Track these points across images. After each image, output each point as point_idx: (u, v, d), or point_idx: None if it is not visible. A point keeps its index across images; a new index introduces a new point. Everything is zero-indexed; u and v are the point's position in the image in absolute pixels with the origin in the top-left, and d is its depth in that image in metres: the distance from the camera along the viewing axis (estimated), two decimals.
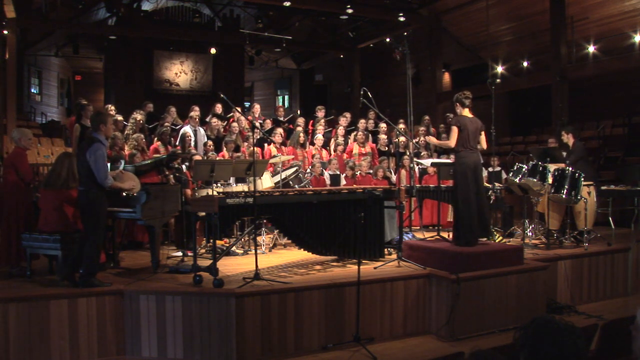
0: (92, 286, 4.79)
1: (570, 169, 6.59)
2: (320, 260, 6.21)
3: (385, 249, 6.33)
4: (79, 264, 4.90)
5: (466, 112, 5.88)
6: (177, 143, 8.11)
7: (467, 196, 5.74)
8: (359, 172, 8.39)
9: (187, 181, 6.82)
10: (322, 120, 9.58)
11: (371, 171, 8.38)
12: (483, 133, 5.98)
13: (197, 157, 7.35)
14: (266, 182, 7.11)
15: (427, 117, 10.33)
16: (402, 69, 9.56)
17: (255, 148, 7.15)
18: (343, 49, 17.20)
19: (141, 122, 8.19)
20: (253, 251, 5.86)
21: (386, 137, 9.37)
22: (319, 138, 8.93)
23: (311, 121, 10.03)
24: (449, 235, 6.22)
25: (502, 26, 13.50)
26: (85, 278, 4.81)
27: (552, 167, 6.71)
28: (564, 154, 7.26)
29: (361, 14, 13.90)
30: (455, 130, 5.78)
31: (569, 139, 7.34)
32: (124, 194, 5.44)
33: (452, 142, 5.82)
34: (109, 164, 5.96)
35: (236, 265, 6.02)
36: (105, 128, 5.00)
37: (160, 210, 5.64)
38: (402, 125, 8.67)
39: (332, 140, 9.38)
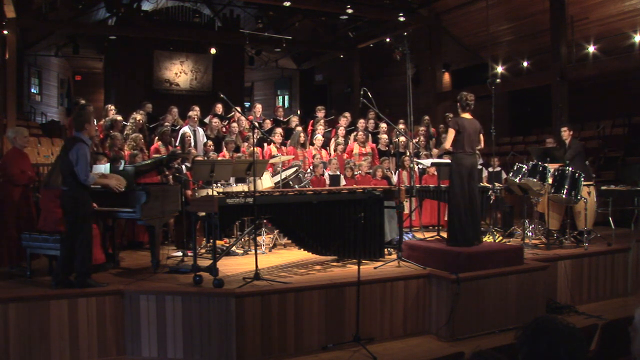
0: (88, 286, 4.79)
1: (570, 168, 6.59)
2: (320, 260, 6.21)
3: (385, 249, 6.33)
4: (70, 266, 4.86)
5: (466, 115, 5.89)
6: (177, 144, 8.11)
7: (460, 198, 5.77)
8: (358, 172, 8.39)
9: (187, 181, 6.82)
10: (322, 120, 9.58)
11: (371, 171, 8.38)
12: (481, 134, 5.99)
13: (198, 158, 7.35)
14: (266, 182, 7.11)
15: (427, 117, 10.33)
16: (402, 69, 9.57)
17: (255, 148, 7.14)
18: (343, 49, 17.18)
19: (141, 122, 8.19)
20: (253, 251, 5.86)
21: (387, 137, 9.37)
22: (319, 138, 8.93)
23: (311, 121, 10.03)
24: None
25: (502, 26, 13.50)
26: (80, 279, 4.80)
27: (552, 167, 6.71)
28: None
29: (361, 14, 13.88)
30: (451, 132, 5.80)
31: (569, 135, 7.36)
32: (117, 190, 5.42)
33: (447, 144, 5.86)
34: (108, 164, 5.97)
35: (236, 265, 6.02)
36: (89, 127, 4.96)
37: (160, 210, 5.64)
38: (402, 125, 8.67)
39: (332, 140, 9.38)
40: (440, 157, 8.64)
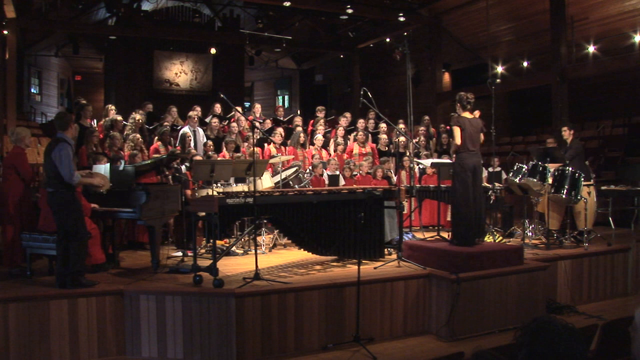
0: (81, 286, 4.78)
1: (570, 168, 6.59)
2: (320, 260, 6.21)
3: (385, 249, 6.33)
4: (67, 266, 4.83)
5: (466, 114, 5.90)
6: (177, 144, 8.11)
7: (465, 197, 5.77)
8: (358, 172, 8.39)
9: (187, 181, 6.82)
10: (322, 120, 9.58)
11: (371, 171, 8.38)
12: (482, 133, 6.00)
13: (197, 157, 7.35)
14: (266, 182, 7.11)
15: (427, 117, 10.33)
16: (402, 69, 9.58)
17: (255, 148, 7.14)
18: (343, 49, 17.19)
19: (140, 122, 8.18)
20: (253, 251, 5.86)
21: (387, 137, 9.37)
22: (319, 138, 8.93)
23: (311, 121, 10.03)
24: (448, 235, 6.23)
25: (502, 26, 13.50)
26: (72, 277, 4.79)
27: (552, 167, 6.71)
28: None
29: (361, 14, 13.89)
30: (457, 129, 5.81)
31: (570, 135, 7.36)
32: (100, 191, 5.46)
33: (457, 140, 5.88)
34: (108, 164, 5.97)
35: (236, 265, 6.02)
36: (73, 128, 5.15)
37: (160, 210, 5.64)
38: (402, 125, 8.67)
39: (332, 140, 9.38)
40: (439, 157, 8.64)
